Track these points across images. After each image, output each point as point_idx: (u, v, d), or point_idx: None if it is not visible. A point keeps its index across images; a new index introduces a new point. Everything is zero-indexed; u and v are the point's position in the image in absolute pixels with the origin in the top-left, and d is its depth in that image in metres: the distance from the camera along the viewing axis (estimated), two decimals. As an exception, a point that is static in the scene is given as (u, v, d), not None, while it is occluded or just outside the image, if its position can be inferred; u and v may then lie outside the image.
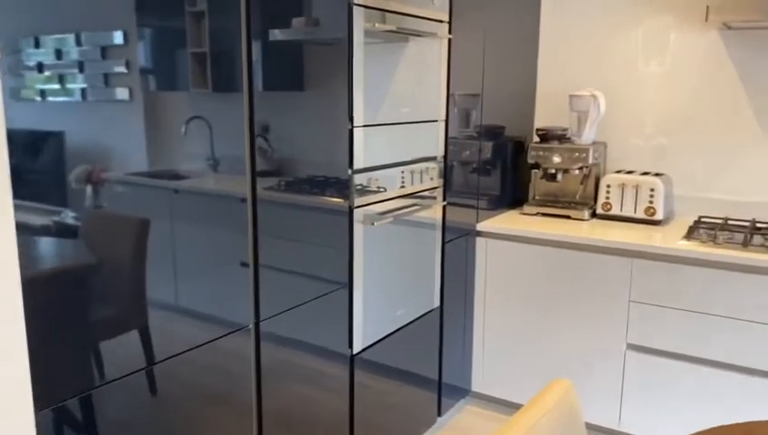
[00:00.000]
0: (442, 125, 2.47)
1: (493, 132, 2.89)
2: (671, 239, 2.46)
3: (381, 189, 2.14)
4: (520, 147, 3.12)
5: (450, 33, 2.40)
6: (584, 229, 2.66)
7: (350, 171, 1.99)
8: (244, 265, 1.67)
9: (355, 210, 2.02)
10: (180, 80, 1.47)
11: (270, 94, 1.67)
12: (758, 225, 2.60)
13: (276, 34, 1.65)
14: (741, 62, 2.68)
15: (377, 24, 1.96)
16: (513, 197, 3.10)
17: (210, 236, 1.58)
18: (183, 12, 1.46)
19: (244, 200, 1.64)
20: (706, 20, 2.36)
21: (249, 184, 1.66)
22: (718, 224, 2.61)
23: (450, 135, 2.54)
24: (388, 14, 2.05)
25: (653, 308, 2.42)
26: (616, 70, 2.96)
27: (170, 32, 1.44)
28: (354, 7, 1.91)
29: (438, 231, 2.52)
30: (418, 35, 2.22)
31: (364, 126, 2.02)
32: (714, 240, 2.38)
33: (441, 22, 2.35)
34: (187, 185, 1.51)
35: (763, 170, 2.70)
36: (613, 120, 2.97)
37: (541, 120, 3.18)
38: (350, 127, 1.97)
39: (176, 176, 1.49)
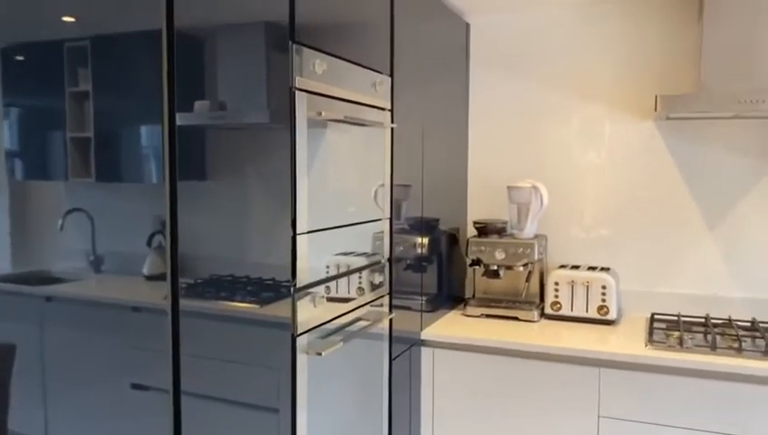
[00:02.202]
0: (387, 223, 2.16)
1: (427, 225, 2.62)
2: (634, 344, 2.25)
3: (323, 297, 1.76)
4: (454, 240, 2.87)
5: (393, 121, 2.14)
6: (537, 333, 2.41)
7: (292, 288, 1.60)
8: (138, 387, 1.23)
9: (298, 338, 1.62)
10: (57, 167, 1.10)
11: (176, 184, 1.29)
12: (713, 321, 2.48)
13: (182, 118, 1.28)
14: (679, 153, 2.63)
15: (323, 113, 1.64)
16: (451, 294, 2.82)
17: (94, 354, 1.14)
18: (63, 91, 1.12)
19: (137, 309, 1.23)
20: (656, 110, 2.27)
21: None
22: (674, 322, 2.46)
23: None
24: (331, 100, 1.74)
25: (627, 424, 2.17)
26: (552, 159, 2.82)
27: (46, 113, 1.15)
28: (297, 93, 1.58)
29: (385, 344, 2.16)
30: (363, 124, 1.93)
31: (309, 232, 1.66)
32: (680, 344, 2.20)
33: (383, 109, 2.08)
34: (64, 291, 1.14)
35: (708, 263, 2.61)
36: (552, 212, 2.81)
37: (474, 212, 2.96)
38: (291, 234, 1.60)
39: (49, 280, 1.12)
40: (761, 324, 2.41)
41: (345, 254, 1.89)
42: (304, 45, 1.61)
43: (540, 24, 2.81)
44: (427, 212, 2.54)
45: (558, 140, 2.81)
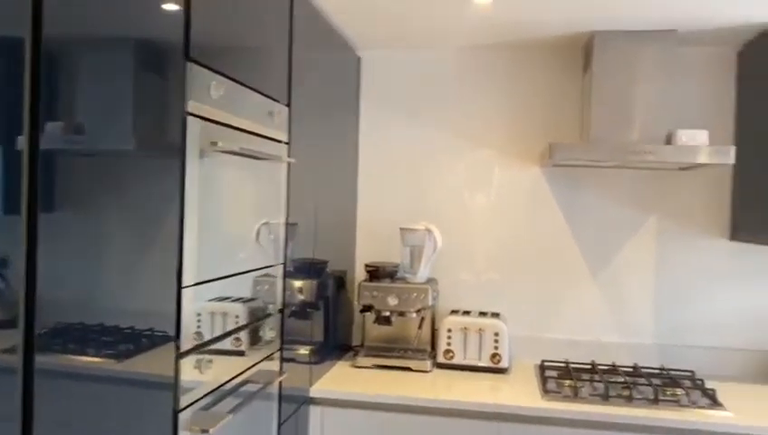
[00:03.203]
0: (281, 268, 1.93)
1: (314, 268, 2.42)
2: (530, 394, 2.20)
3: (210, 361, 1.50)
4: (341, 284, 2.69)
5: (290, 155, 1.93)
6: (430, 384, 2.28)
7: (174, 353, 1.33)
8: None
9: (181, 414, 1.34)
10: None
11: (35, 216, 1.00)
12: (599, 367, 2.50)
13: (23, 142, 1.01)
14: (564, 199, 2.67)
15: (220, 143, 1.40)
16: (338, 343, 2.62)
17: None
18: None
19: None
20: (549, 157, 2.27)
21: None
22: (564, 370, 2.45)
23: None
24: (226, 129, 1.51)
25: (526, 481, 2.09)
26: (443, 202, 2.75)
27: None
28: (189, 118, 1.34)
29: (273, 407, 1.90)
30: (259, 158, 1.70)
31: (195, 284, 1.40)
32: (575, 393, 2.18)
33: (280, 142, 1.87)
34: None
35: (591, 309, 2.65)
36: (441, 254, 2.72)
37: (363, 254, 2.81)
38: (176, 287, 1.33)
39: None
40: (643, 370, 2.46)
41: (234, 300, 1.64)
42: (200, 65, 1.37)
43: (431, 65, 2.76)
44: (308, 253, 2.35)
45: (449, 182, 2.75)
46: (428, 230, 2.54)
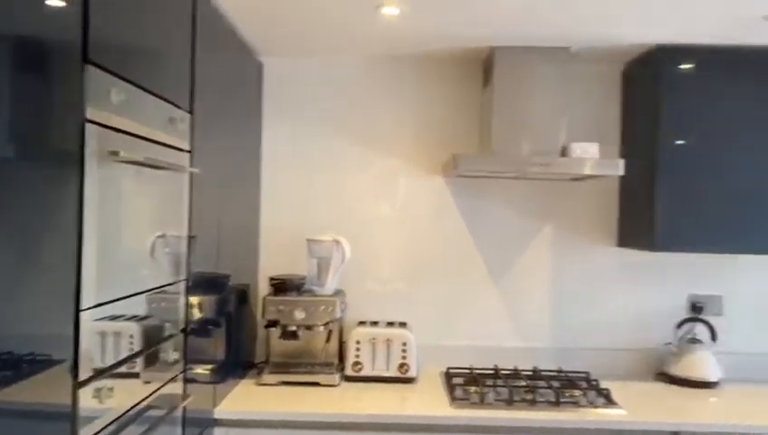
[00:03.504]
0: (183, 285, 1.82)
1: (214, 283, 2.31)
2: (438, 403, 2.22)
3: (111, 389, 1.37)
4: (244, 298, 2.59)
5: (192, 165, 1.83)
6: (339, 398, 2.25)
7: (71, 382, 1.20)
8: None
9: (80, 447, 1.22)
10: None
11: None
12: (502, 372, 2.57)
13: None
14: (467, 209, 2.73)
15: (122, 153, 1.29)
16: (241, 360, 2.52)
17: None
18: None
19: None
20: (454, 167, 2.31)
21: None
22: (470, 377, 2.49)
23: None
24: (127, 137, 1.40)
25: (438, 491, 2.10)
26: (348, 212, 2.73)
27: None
28: (87, 126, 1.22)
29: (177, 432, 1.78)
30: (161, 168, 1.60)
31: (95, 306, 1.28)
32: (482, 400, 2.23)
33: (182, 151, 1.76)
34: None
35: (493, 315, 2.73)
36: (348, 265, 2.69)
37: (268, 267, 2.72)
38: (73, 309, 1.21)
39: None
40: (542, 373, 2.56)
41: (134, 320, 1.52)
42: (100, 68, 1.26)
43: (337, 73, 2.74)
44: (208, 267, 2.24)
45: (355, 192, 2.74)
46: (336, 241, 2.51)
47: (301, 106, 2.74)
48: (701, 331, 2.62)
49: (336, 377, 2.41)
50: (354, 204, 2.73)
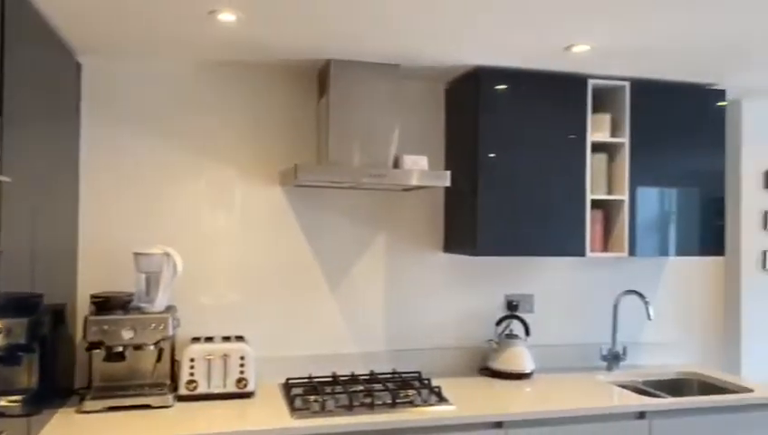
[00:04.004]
0: (-10, 311, 1.61)
1: (24, 303, 2.08)
2: (278, 416, 2.20)
3: None
4: (60, 319, 2.36)
5: (2, 172, 1.63)
6: (172, 421, 2.14)
7: None
8: None
9: None
10: None
11: None
12: (341, 378, 2.61)
13: None
14: (304, 218, 2.74)
15: None
16: (58, 387, 2.28)
17: None
18: None
19: None
20: (294, 177, 2.31)
21: None
22: (310, 386, 2.50)
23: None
24: None
25: (280, 504, 2.07)
26: (178, 223, 2.61)
27: None
28: None
29: (-19, 479, 1.57)
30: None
31: None
32: (323, 408, 2.25)
33: (-11, 157, 1.57)
34: None
35: (330, 323, 2.76)
36: (179, 280, 2.57)
37: (89, 285, 2.50)
38: None
39: None
40: (379, 376, 2.65)
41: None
42: None
43: (165, 77, 2.60)
44: (27, 286, 2.02)
45: (187, 202, 2.62)
46: (167, 254, 2.38)
47: (125, 111, 2.56)
48: (517, 327, 2.89)
49: (169, 398, 2.28)
50: (186, 215, 2.62)
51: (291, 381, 2.57)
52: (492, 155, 2.60)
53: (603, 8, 1.95)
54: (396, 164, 2.54)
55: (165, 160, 2.60)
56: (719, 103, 2.88)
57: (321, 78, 2.67)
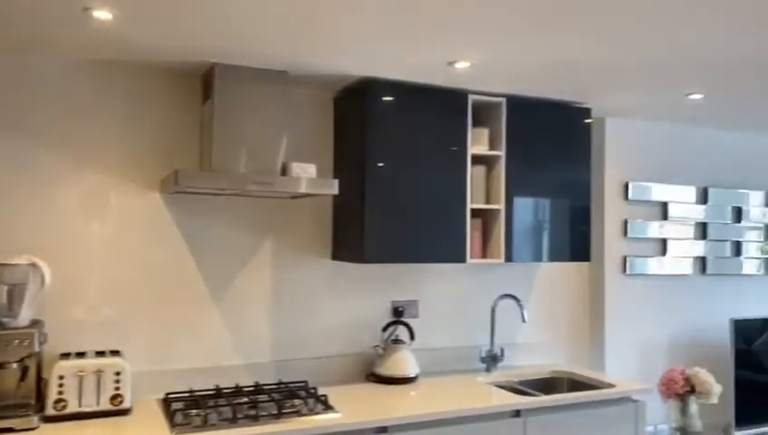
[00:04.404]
0: None
1: None
2: (157, 432, 2.11)
3: None
4: None
5: None
6: (41, 443, 1.99)
7: None
8: None
9: None
10: None
11: None
12: (224, 391, 2.54)
13: None
14: (186, 226, 2.65)
15: None
16: None
17: None
18: None
19: None
20: (175, 183, 2.23)
21: None
22: (191, 400, 2.42)
23: None
24: None
25: None
26: (45, 231, 2.43)
27: None
28: None
29: None
30: None
31: None
32: (205, 423, 2.18)
33: None
34: None
35: (214, 334, 2.69)
36: (47, 292, 2.39)
37: (-62, 297, 2.27)
38: None
39: None
40: (264, 387, 2.61)
41: None
42: None
43: (33, 74, 2.42)
44: None
45: (56, 208, 2.45)
46: (33, 265, 2.21)
47: (-15, 109, 2.36)
48: (403, 332, 2.96)
49: (34, 419, 2.12)
50: (56, 222, 2.45)
51: (170, 396, 2.47)
52: (379, 164, 2.65)
53: (483, 28, 2.06)
54: (284, 171, 2.52)
55: (33, 164, 2.42)
56: (586, 120, 3.12)
57: (205, 82, 2.60)
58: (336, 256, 2.90)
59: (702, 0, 1.80)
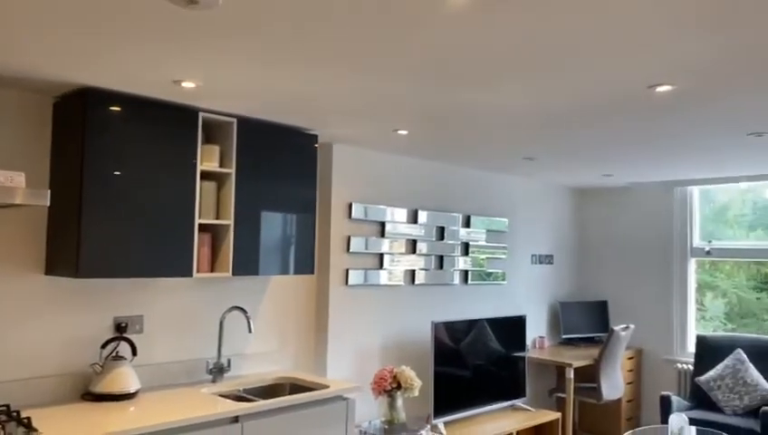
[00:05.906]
0: None
1: None
2: None
3: None
4: None
5: None
6: None
7: None
8: None
9: None
10: None
11: None
12: (14, 413, 2.25)
13: None
14: None
15: None
16: None
17: None
18: None
19: None
20: None
21: None
22: None
23: None
24: None
25: None
26: None
27: None
28: None
29: None
30: None
31: None
32: None
33: None
34: None
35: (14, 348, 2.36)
36: None
37: None
38: None
39: None
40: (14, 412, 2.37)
41: None
42: None
43: None
44: None
45: None
46: None
47: None
48: (125, 348, 2.90)
49: None
50: None
51: None
52: (100, 175, 2.59)
53: (202, 52, 2.17)
54: (-14, 179, 2.33)
55: None
56: (314, 145, 3.41)
57: None
58: (50, 270, 2.74)
59: (394, 65, 2.15)
